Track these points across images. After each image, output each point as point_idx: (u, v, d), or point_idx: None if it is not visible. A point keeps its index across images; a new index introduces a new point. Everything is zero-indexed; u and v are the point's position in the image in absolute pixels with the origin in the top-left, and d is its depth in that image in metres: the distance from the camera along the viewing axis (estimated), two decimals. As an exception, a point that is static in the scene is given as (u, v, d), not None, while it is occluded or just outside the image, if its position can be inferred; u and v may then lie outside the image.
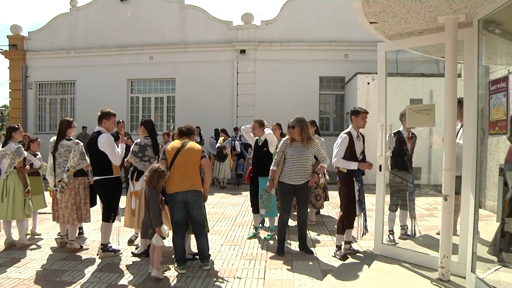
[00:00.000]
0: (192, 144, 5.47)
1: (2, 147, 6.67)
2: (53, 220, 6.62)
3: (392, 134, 5.67)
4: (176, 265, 5.34)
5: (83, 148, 6.38)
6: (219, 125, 14.64)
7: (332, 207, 9.41)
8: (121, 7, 18.04)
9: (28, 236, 7.26)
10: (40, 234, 7.38)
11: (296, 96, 16.28)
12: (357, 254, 5.93)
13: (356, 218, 5.89)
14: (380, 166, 5.59)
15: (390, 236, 6.42)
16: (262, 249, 6.39)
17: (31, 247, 6.65)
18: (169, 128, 17.35)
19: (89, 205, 6.42)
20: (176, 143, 5.47)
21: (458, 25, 4.55)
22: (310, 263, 5.67)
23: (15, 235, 6.81)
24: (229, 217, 8.78)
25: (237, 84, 17.06)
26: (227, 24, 17.35)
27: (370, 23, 5.07)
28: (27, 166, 6.94)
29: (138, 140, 6.13)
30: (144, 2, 17.87)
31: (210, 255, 5.58)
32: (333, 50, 16.48)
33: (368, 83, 13.47)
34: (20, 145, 6.69)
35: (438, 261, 4.63)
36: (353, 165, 5.71)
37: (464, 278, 4.60)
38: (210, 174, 5.61)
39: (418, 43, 5.37)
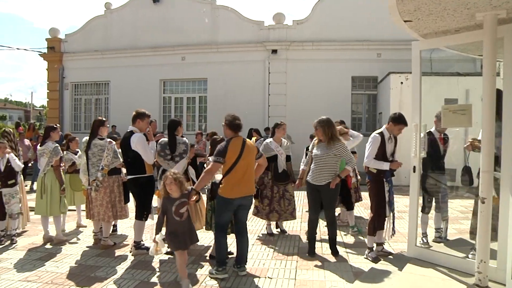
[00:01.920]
0: (249, 143, 5.23)
1: (40, 146, 6.88)
2: (87, 218, 6.79)
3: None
4: (216, 267, 5.12)
5: (116, 147, 6.50)
6: (250, 125, 14.60)
7: (364, 208, 9.27)
8: (154, 9, 18.27)
9: (73, 229, 7.67)
10: (86, 226, 7.59)
11: (328, 96, 16.11)
12: (389, 256, 5.81)
13: (386, 219, 5.79)
14: (414, 167, 5.47)
15: (424, 238, 6.27)
16: (293, 249, 6.35)
17: (67, 242, 6.85)
18: (201, 128, 17.47)
19: (124, 202, 6.54)
20: (237, 143, 5.05)
21: (497, 21, 4.40)
22: (342, 264, 5.59)
23: (52, 232, 7.01)
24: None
25: (269, 84, 17.03)
26: (258, 24, 17.34)
27: (404, 21, 4.96)
28: (62, 164, 7.10)
29: (161, 139, 6.23)
30: (176, 3, 18.06)
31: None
32: (365, 49, 16.26)
33: (402, 82, 13.22)
34: (57, 145, 6.89)
35: (475, 266, 4.48)
36: (385, 166, 5.63)
37: (504, 285, 4.42)
38: (260, 173, 5.58)
39: (454, 41, 5.22)
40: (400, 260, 5.54)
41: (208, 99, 17.89)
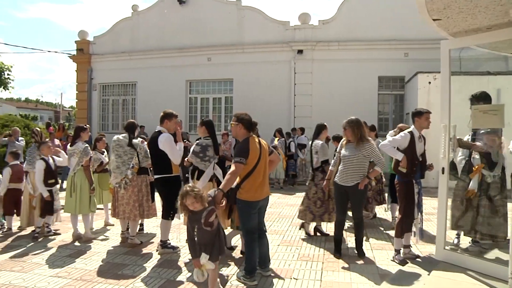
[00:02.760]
0: (262, 141, 5.12)
1: (70, 146, 7.02)
2: (113, 216, 6.89)
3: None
4: (245, 273, 4.97)
5: (147, 147, 6.59)
6: (276, 125, 14.62)
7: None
8: (180, 10, 18.42)
9: (100, 227, 7.86)
10: (113, 225, 7.73)
11: (354, 96, 15.93)
12: (417, 259, 5.72)
13: (414, 221, 5.70)
14: (443, 168, 5.36)
15: (455, 240, 6.13)
16: (319, 250, 6.31)
17: (95, 240, 6.99)
18: (227, 129, 17.53)
19: (152, 202, 6.62)
20: (255, 143, 4.94)
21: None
22: (368, 266, 5.53)
23: (80, 230, 7.17)
24: (286, 217, 8.75)
25: (295, 84, 16.96)
26: (284, 25, 17.30)
27: (433, 20, 4.88)
28: (91, 164, 7.24)
29: (199, 140, 6.15)
30: (202, 4, 18.16)
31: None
32: (392, 49, 16.01)
33: (430, 82, 13.01)
34: (87, 145, 7.04)
35: (508, 271, 4.35)
36: (398, 155, 5.58)
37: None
38: (272, 169, 5.48)
39: (486, 39, 5.10)
40: (428, 263, 5.45)
41: (234, 99, 17.93)
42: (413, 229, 5.76)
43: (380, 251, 6.20)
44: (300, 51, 16.78)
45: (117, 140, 6.56)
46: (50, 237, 7.21)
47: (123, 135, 6.60)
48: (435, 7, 4.50)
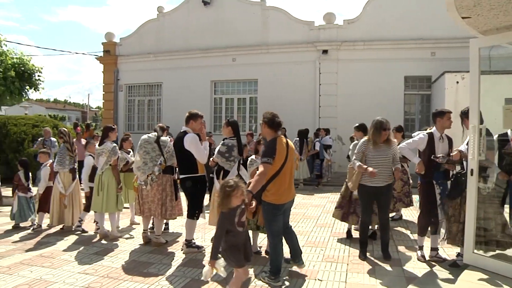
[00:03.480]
0: (290, 142, 5.07)
1: (99, 145, 7.14)
2: (137, 214, 6.96)
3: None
4: (269, 275, 4.92)
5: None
6: (301, 126, 14.55)
7: (417, 211, 8.98)
8: (205, 11, 18.54)
9: (126, 226, 8.02)
10: (139, 223, 7.85)
11: (380, 97, 15.75)
12: (445, 262, 5.61)
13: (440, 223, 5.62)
14: (472, 170, 5.25)
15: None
16: (344, 251, 6.26)
17: (121, 239, 7.09)
18: (251, 129, 17.55)
19: (174, 202, 6.64)
20: (282, 141, 4.87)
21: None
22: (394, 269, 5.45)
23: (107, 228, 7.27)
24: (310, 218, 8.70)
25: (319, 84, 16.87)
26: (308, 25, 17.23)
27: (462, 18, 4.78)
28: (119, 163, 7.35)
29: (225, 141, 6.16)
30: (227, 5, 18.24)
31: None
32: (418, 48, 15.77)
33: (457, 82, 12.76)
34: (115, 145, 7.16)
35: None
36: (415, 159, 5.64)
37: None
38: None
39: (519, 36, 4.96)
40: (456, 267, 5.33)
41: (258, 100, 17.95)
42: (442, 231, 5.68)
43: (406, 254, 6.11)
44: (325, 51, 16.69)
45: (146, 138, 6.64)
46: (78, 234, 7.37)
47: (153, 133, 6.69)
48: (464, 4, 4.41)
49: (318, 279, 5.07)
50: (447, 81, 13.03)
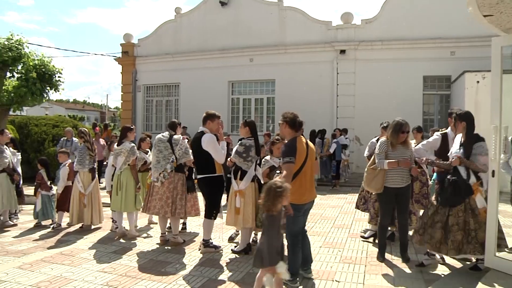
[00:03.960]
0: (310, 142, 5.05)
1: (117, 145, 7.21)
2: (143, 211, 6.98)
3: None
4: (288, 277, 4.61)
5: (188, 145, 6.71)
6: (319, 126, 14.51)
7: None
8: (222, 12, 18.58)
9: (144, 225, 8.09)
10: (157, 223, 7.91)
11: (398, 97, 15.56)
12: (467, 263, 5.53)
13: None
14: (493, 171, 5.16)
15: None
16: (362, 252, 6.21)
17: (139, 238, 7.14)
18: (269, 129, 17.54)
19: (185, 202, 6.66)
20: (302, 141, 4.87)
21: None
22: (412, 271, 5.39)
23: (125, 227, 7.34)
24: (328, 218, 8.67)
25: (337, 84, 16.77)
26: (326, 24, 17.15)
27: (484, 16, 4.70)
28: (137, 163, 7.42)
29: (243, 141, 6.16)
30: (244, 5, 18.26)
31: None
32: (438, 47, 15.56)
33: (478, 81, 12.56)
34: (134, 145, 7.23)
35: None
36: (432, 157, 5.67)
37: None
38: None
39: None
40: (476, 270, 5.20)
41: (276, 100, 17.91)
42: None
43: (425, 256, 6.03)
44: (342, 51, 16.59)
45: (160, 137, 6.72)
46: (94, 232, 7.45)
47: (166, 132, 6.76)
48: (486, 2, 4.33)
49: (336, 280, 5.04)
50: (467, 80, 12.84)
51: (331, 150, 13.49)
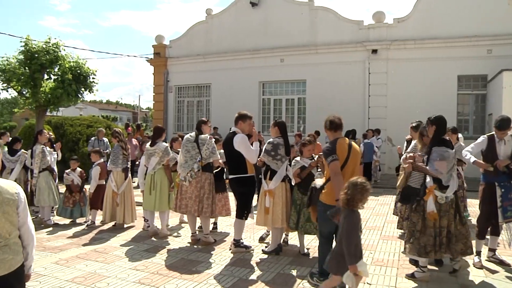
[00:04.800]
0: (355, 144, 4.88)
1: (151, 145, 7.29)
2: (175, 210, 7.02)
3: None
4: (318, 276, 4.85)
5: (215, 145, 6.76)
6: (350, 126, 14.32)
7: (472, 217, 8.65)
8: (253, 12, 18.62)
9: (175, 224, 8.22)
10: (187, 222, 7.98)
11: (432, 97, 15.22)
12: (503, 264, 5.37)
13: (504, 226, 5.40)
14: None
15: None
16: (394, 255, 6.10)
17: (171, 237, 7.23)
18: (300, 129, 17.46)
19: (212, 201, 6.68)
20: (344, 142, 4.78)
21: None
22: (447, 275, 5.23)
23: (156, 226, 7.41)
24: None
25: (369, 85, 16.56)
26: (357, 24, 16.96)
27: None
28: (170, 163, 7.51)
29: (271, 139, 6.15)
30: (275, 6, 18.24)
31: None
32: (473, 45, 15.14)
33: (516, 80, 12.21)
34: (168, 145, 7.31)
35: None
36: (471, 160, 5.57)
37: None
38: None
39: None
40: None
41: (307, 100, 17.84)
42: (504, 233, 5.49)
43: (461, 260, 5.88)
44: (374, 51, 16.38)
45: (188, 137, 6.79)
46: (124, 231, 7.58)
47: (193, 132, 6.82)
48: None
49: (367, 283, 4.96)
50: (505, 79, 12.48)
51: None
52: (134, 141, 13.66)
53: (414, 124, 6.74)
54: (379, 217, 8.79)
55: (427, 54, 15.71)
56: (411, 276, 5.09)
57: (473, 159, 5.53)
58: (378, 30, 16.56)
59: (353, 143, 4.87)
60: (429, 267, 5.47)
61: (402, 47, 16.17)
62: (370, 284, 4.92)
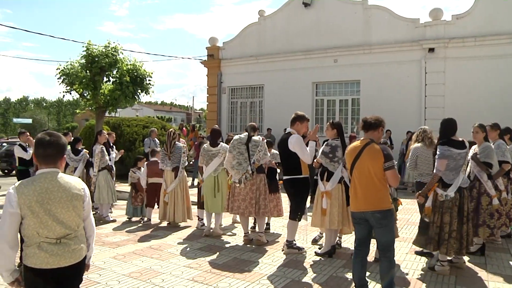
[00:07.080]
0: (374, 147, 4.28)
1: (212, 146, 7.38)
2: (227, 211, 7.08)
3: None
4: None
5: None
6: (406, 128, 13.99)
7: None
8: (305, 13, 18.49)
9: (228, 224, 8.37)
10: (240, 222, 8.07)
11: (494, 97, 14.50)
12: None
13: None
14: None
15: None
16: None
17: (224, 236, 7.33)
18: (353, 131, 17.18)
19: (268, 201, 6.70)
20: (357, 144, 4.44)
21: None
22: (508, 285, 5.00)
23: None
24: (415, 224, 8.28)
25: (425, 85, 16.01)
26: (413, 22, 16.45)
27: None
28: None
29: (329, 141, 6.10)
30: (328, 6, 18.03)
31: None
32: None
33: None
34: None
35: None
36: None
37: None
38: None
39: None
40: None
41: (361, 101, 17.49)
42: None
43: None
44: (431, 49, 15.82)
45: (238, 139, 6.81)
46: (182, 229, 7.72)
47: (245, 134, 6.84)
48: None
49: None
50: None
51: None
52: (182, 141, 13.90)
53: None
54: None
55: (489, 51, 14.92)
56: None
57: None
58: (435, 28, 15.99)
59: (371, 145, 4.30)
60: (491, 277, 5.26)
61: (461, 45, 15.52)
62: None
